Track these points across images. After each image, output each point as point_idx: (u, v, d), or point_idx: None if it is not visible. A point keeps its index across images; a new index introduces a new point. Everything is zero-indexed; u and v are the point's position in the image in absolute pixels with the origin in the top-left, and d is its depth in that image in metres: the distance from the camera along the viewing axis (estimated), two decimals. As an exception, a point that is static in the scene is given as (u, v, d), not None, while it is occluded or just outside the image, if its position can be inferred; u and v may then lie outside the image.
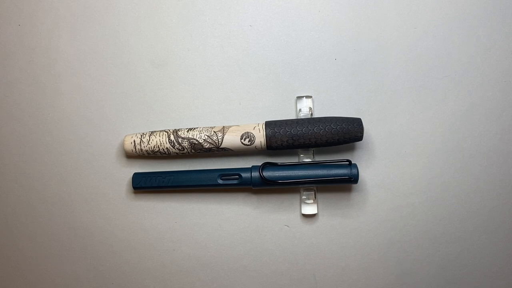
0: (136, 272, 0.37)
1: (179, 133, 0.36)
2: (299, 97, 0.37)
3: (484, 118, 0.37)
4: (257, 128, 0.35)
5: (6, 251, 0.38)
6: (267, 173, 0.35)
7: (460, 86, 0.37)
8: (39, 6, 0.39)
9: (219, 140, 0.35)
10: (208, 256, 0.37)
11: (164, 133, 0.36)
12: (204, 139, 0.36)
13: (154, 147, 0.36)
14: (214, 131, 0.36)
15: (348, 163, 0.35)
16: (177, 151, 0.36)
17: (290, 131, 0.35)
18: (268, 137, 0.35)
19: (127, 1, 0.38)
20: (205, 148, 0.36)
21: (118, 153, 0.38)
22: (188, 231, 0.37)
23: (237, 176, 0.36)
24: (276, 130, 0.35)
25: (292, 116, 0.38)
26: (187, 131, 0.36)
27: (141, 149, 0.36)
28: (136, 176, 0.37)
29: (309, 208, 0.36)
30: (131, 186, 0.37)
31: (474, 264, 0.37)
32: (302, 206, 0.37)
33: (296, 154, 0.37)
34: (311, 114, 0.37)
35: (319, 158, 0.37)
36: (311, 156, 0.37)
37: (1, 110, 0.38)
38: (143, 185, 0.36)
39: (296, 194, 0.37)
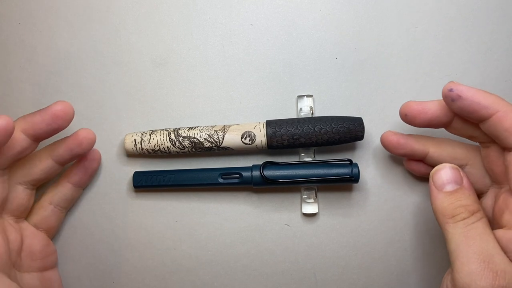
0: (137, 270, 0.38)
1: (180, 132, 0.36)
2: (300, 96, 0.37)
3: (485, 117, 0.37)
4: (258, 127, 0.35)
5: (6, 249, 0.38)
6: (267, 172, 0.35)
7: (461, 86, 0.37)
8: (40, 4, 0.38)
9: (220, 139, 0.35)
10: (208, 255, 0.37)
11: (165, 132, 0.36)
12: (205, 138, 0.36)
13: (154, 146, 0.36)
14: (215, 130, 0.36)
15: (349, 162, 0.35)
16: (178, 150, 0.36)
17: (291, 130, 0.35)
18: (269, 136, 0.35)
19: (127, 0, 0.38)
20: (205, 147, 0.36)
21: (119, 152, 0.38)
22: (188, 230, 0.37)
23: (238, 175, 0.36)
24: (277, 129, 0.35)
25: (293, 115, 0.38)
26: (188, 130, 0.36)
27: (142, 148, 0.36)
28: (137, 175, 0.37)
29: (310, 207, 0.36)
30: (132, 185, 0.37)
31: (475, 263, 0.37)
32: (302, 205, 0.37)
33: (297, 153, 0.37)
34: (312, 113, 0.37)
35: (320, 158, 0.37)
36: (312, 155, 0.37)
37: (1, 109, 0.38)
38: (144, 184, 0.36)
39: (297, 193, 0.37)
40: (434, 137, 0.34)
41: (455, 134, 0.32)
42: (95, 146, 0.38)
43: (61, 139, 0.33)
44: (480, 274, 0.25)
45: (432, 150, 0.33)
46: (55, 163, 0.33)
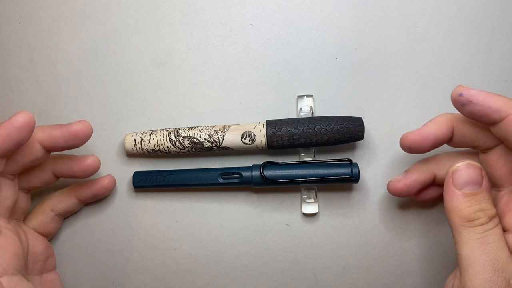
0: (137, 271, 0.38)
1: (180, 132, 0.36)
2: (300, 96, 0.37)
3: (485, 117, 0.37)
4: (258, 127, 0.35)
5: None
6: (268, 172, 0.35)
7: (461, 86, 0.37)
8: (40, 4, 0.38)
9: (220, 139, 0.35)
10: (208, 255, 0.37)
11: (165, 132, 0.36)
12: (205, 138, 0.36)
13: (154, 146, 0.36)
14: (215, 130, 0.36)
15: (349, 162, 0.35)
16: (178, 150, 0.36)
17: (291, 130, 0.35)
18: (269, 136, 0.35)
19: (127, 0, 0.38)
20: (205, 147, 0.36)
21: (119, 152, 0.38)
22: (188, 230, 0.37)
23: (238, 175, 0.36)
24: (277, 129, 0.35)
25: (293, 115, 0.38)
26: (188, 130, 0.36)
27: (142, 148, 0.36)
28: (137, 175, 0.37)
29: (310, 207, 0.36)
30: (132, 185, 0.37)
31: (475, 263, 0.37)
32: (302, 205, 0.37)
33: (297, 153, 0.37)
34: (312, 113, 0.37)
35: (320, 157, 0.37)
36: (312, 155, 0.37)
37: (1, 109, 0.38)
38: (144, 184, 0.36)
39: (297, 193, 0.37)
40: (431, 157, 0.33)
41: (456, 147, 0.32)
42: (96, 146, 0.38)
43: (67, 157, 0.33)
44: (494, 283, 0.24)
45: (437, 171, 0.32)
46: (53, 176, 0.33)
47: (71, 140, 0.30)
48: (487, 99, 0.27)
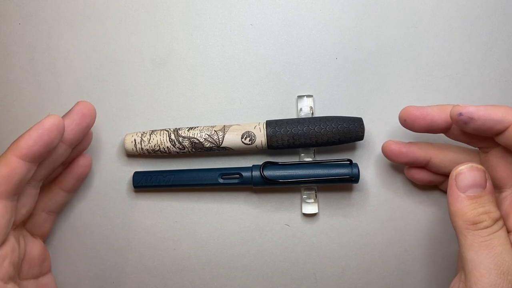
0: (137, 271, 0.38)
1: (180, 132, 0.36)
2: (300, 96, 0.37)
3: (485, 117, 0.37)
4: (257, 127, 0.35)
5: (6, 250, 0.38)
6: (268, 173, 0.35)
7: (461, 86, 0.37)
8: (40, 4, 0.38)
9: (220, 139, 0.35)
10: (208, 255, 0.37)
11: (165, 132, 0.36)
12: (204, 138, 0.36)
13: (154, 146, 0.36)
14: (215, 130, 0.36)
15: (349, 162, 0.35)
16: (178, 150, 0.36)
17: (291, 131, 0.35)
18: (269, 136, 0.35)
19: (127, 0, 0.38)
20: (205, 147, 0.36)
21: (119, 152, 0.38)
22: (188, 230, 0.37)
23: (238, 176, 0.35)
24: (277, 129, 0.35)
25: (293, 115, 0.38)
26: (188, 130, 0.36)
27: (142, 148, 0.36)
28: (137, 175, 0.37)
29: (310, 208, 0.36)
30: (132, 185, 0.37)
31: (475, 263, 0.37)
32: (302, 205, 0.37)
33: (297, 154, 0.37)
34: (312, 114, 0.37)
35: (320, 158, 0.37)
36: (312, 155, 0.37)
37: (1, 109, 0.38)
38: (144, 184, 0.36)
39: (297, 194, 0.37)
40: (435, 143, 0.34)
41: (454, 139, 0.32)
42: (96, 146, 0.38)
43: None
44: (499, 286, 0.24)
45: (434, 156, 0.33)
46: (60, 166, 0.34)
47: (82, 122, 0.31)
48: (487, 112, 0.27)
